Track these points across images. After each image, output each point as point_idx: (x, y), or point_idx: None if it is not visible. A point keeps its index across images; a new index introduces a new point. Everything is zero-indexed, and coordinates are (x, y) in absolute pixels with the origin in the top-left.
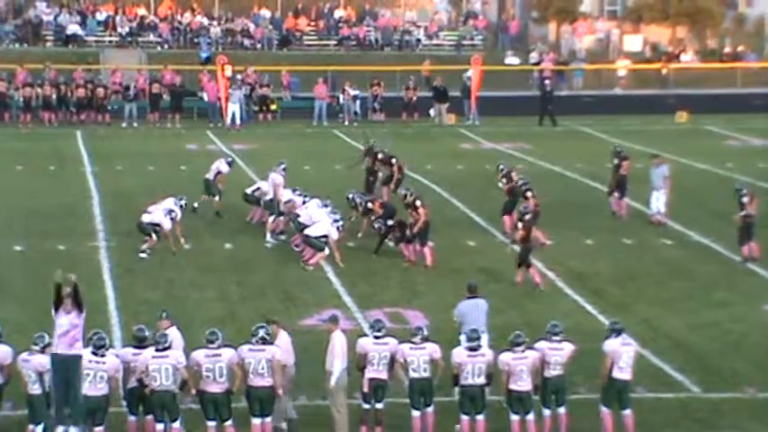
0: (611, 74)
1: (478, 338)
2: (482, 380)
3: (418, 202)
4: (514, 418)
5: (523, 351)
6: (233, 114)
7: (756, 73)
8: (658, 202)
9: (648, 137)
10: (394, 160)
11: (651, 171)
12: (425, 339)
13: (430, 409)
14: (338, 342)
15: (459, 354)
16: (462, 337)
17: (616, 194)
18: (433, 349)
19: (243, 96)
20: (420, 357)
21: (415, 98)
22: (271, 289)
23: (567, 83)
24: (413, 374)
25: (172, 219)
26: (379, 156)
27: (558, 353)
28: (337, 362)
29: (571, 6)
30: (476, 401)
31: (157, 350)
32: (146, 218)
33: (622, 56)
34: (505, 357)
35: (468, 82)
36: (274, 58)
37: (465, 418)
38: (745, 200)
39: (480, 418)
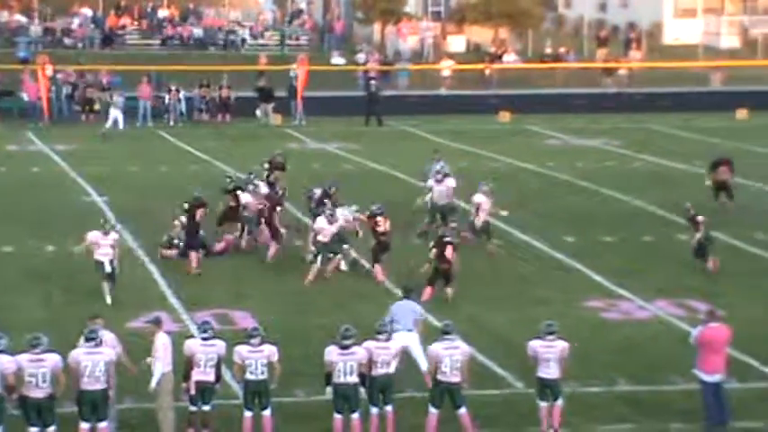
0: (435, 74)
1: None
2: (354, 378)
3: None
4: (337, 416)
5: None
6: (115, 119)
7: (576, 73)
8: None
9: (472, 136)
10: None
11: (430, 166)
12: (264, 341)
13: (267, 412)
14: (160, 344)
15: (331, 352)
16: (396, 335)
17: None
18: (272, 351)
19: (123, 101)
20: (258, 360)
21: (232, 97)
22: (95, 292)
23: (392, 83)
24: (249, 376)
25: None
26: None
27: (385, 351)
28: (158, 364)
29: (396, 7)
30: (349, 400)
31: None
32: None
33: (446, 56)
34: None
35: (293, 81)
36: (97, 57)
37: (338, 416)
38: (700, 218)
39: (355, 416)
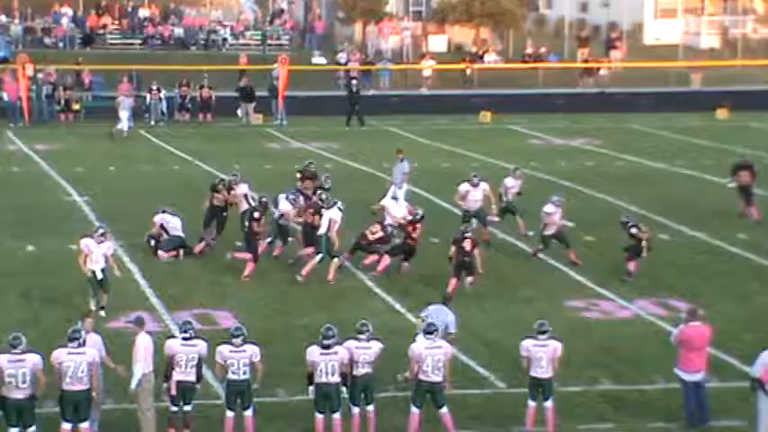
0: (417, 74)
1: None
2: (336, 378)
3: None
4: (319, 416)
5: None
6: (122, 123)
7: (557, 73)
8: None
9: (454, 136)
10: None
11: (394, 166)
12: (246, 341)
13: (248, 412)
14: (141, 344)
15: (312, 352)
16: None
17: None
18: (254, 351)
19: (132, 103)
20: (240, 360)
21: (213, 97)
22: (75, 292)
23: (374, 82)
24: (231, 376)
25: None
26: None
27: (366, 351)
28: (138, 365)
29: (376, 7)
30: (331, 399)
31: None
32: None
33: (428, 56)
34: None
35: (275, 81)
36: (77, 56)
37: (320, 416)
38: (634, 231)
39: (336, 416)
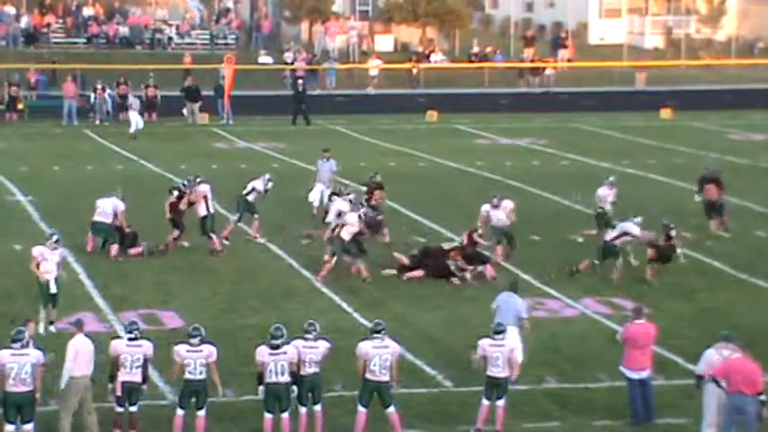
0: (363, 73)
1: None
2: (286, 378)
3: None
4: (268, 416)
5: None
6: (136, 123)
7: (503, 73)
8: (323, 196)
9: (400, 135)
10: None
11: (319, 164)
12: (203, 341)
13: (201, 412)
14: (72, 345)
15: (262, 352)
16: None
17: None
18: (210, 352)
19: (139, 103)
20: (197, 360)
21: (158, 96)
22: (19, 292)
23: (320, 82)
24: (188, 375)
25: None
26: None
27: (314, 351)
28: (67, 365)
29: (323, 6)
30: (281, 399)
31: None
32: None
33: (374, 56)
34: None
35: (221, 81)
36: (21, 55)
37: (269, 416)
38: (673, 233)
39: (285, 415)
